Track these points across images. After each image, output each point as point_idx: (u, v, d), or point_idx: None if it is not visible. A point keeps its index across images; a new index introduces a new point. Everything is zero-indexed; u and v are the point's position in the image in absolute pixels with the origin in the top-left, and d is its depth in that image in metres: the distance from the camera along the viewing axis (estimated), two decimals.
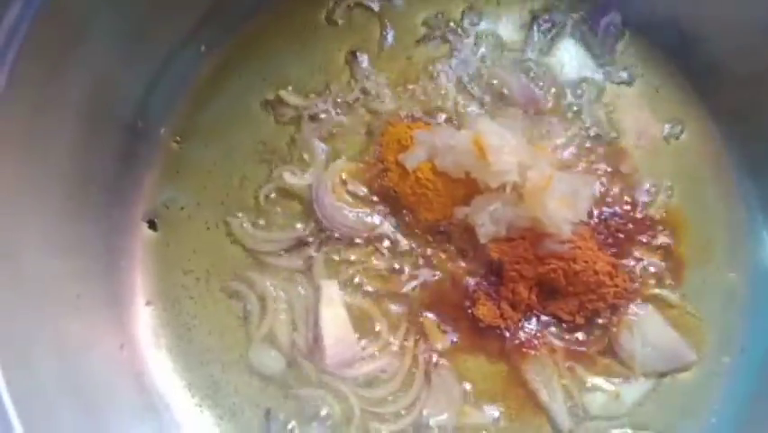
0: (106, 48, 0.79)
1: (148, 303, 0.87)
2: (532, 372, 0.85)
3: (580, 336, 0.87)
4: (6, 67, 0.66)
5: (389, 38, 0.97)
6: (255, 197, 0.91)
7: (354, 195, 0.90)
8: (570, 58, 0.97)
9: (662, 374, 0.86)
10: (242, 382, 0.85)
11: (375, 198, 0.90)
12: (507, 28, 0.98)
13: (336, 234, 0.89)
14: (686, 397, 0.87)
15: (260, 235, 0.89)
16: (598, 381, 0.86)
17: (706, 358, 0.88)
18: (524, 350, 0.86)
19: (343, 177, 0.91)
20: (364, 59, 0.95)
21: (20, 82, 0.67)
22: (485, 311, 0.86)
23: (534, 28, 0.97)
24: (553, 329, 0.86)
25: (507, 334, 0.86)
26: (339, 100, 0.94)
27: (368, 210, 0.90)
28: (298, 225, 0.90)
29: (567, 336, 0.87)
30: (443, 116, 0.93)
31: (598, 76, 0.96)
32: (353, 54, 0.95)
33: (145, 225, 0.89)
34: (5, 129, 0.66)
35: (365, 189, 0.90)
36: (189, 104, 0.93)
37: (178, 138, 0.92)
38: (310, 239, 0.89)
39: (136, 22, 0.81)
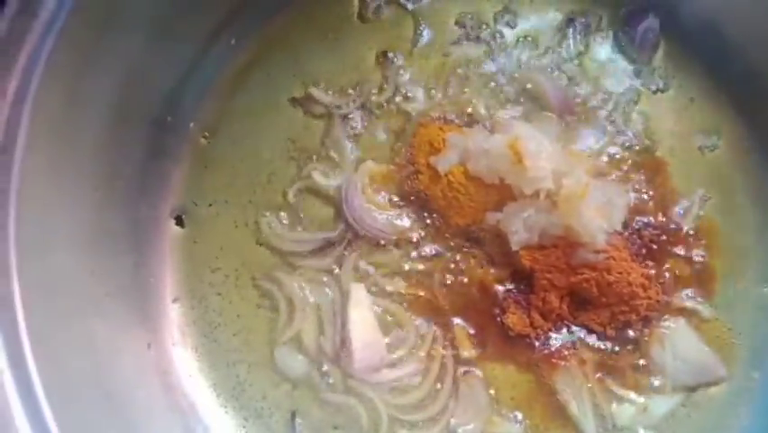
0: (138, 41, 0.78)
1: (175, 300, 0.86)
2: (561, 382, 0.84)
3: (610, 347, 0.85)
4: (42, 59, 0.65)
5: (424, 37, 0.95)
6: (284, 195, 0.89)
7: (384, 197, 0.89)
8: (606, 62, 0.96)
9: (692, 388, 0.85)
10: (267, 383, 0.84)
11: (405, 201, 0.89)
12: (543, 30, 0.96)
13: (365, 237, 0.87)
14: (715, 412, 0.86)
15: (288, 235, 0.88)
16: (628, 393, 0.85)
17: (736, 373, 0.86)
18: (553, 360, 0.84)
19: (374, 178, 0.89)
20: (397, 58, 0.94)
21: (55, 75, 0.66)
22: (515, 320, 0.84)
23: (570, 31, 0.96)
24: (583, 340, 0.85)
25: (537, 343, 0.85)
26: (370, 99, 0.92)
27: (397, 213, 0.88)
28: (328, 226, 0.88)
29: (597, 348, 0.85)
30: (476, 119, 0.92)
31: (635, 82, 0.95)
32: (384, 54, 0.94)
33: (173, 222, 0.88)
34: (40, 121, 0.65)
35: (395, 192, 0.89)
36: (218, 99, 0.92)
37: (206, 133, 0.91)
38: (339, 241, 0.88)
39: (167, 14, 0.80)
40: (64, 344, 0.64)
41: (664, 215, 0.89)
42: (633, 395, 0.84)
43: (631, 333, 0.85)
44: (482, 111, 0.92)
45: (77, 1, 0.67)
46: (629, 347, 0.85)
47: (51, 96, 0.66)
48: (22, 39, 0.64)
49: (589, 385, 0.84)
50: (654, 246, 0.88)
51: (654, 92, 0.94)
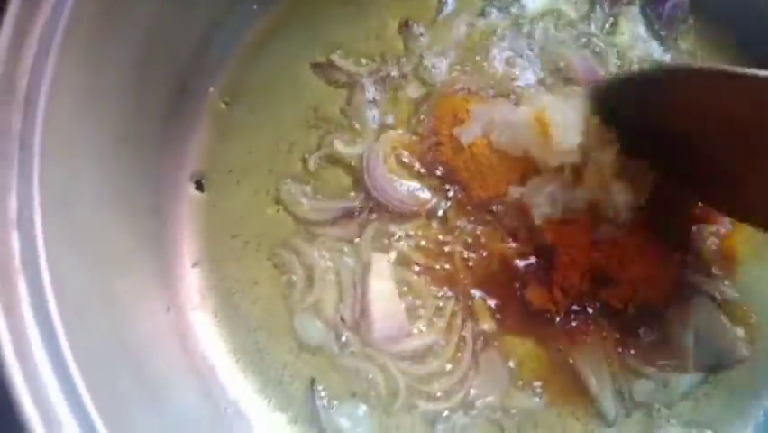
0: (159, 3, 0.76)
1: (194, 265, 0.85)
2: (581, 357, 0.83)
3: (631, 324, 0.84)
4: (63, 22, 0.63)
5: (448, 6, 0.93)
6: (304, 164, 0.88)
7: (406, 167, 0.88)
8: (634, 36, 0.94)
9: (713, 368, 0.84)
10: (287, 350, 0.84)
11: (427, 172, 0.88)
12: (570, 3, 0.94)
13: (386, 207, 0.86)
14: (736, 392, 0.85)
15: (309, 204, 0.87)
16: (648, 369, 0.84)
17: (758, 354, 0.85)
18: (574, 336, 0.83)
19: (396, 148, 0.88)
20: (419, 29, 0.92)
21: (76, 38, 0.65)
22: (535, 294, 0.83)
23: (597, 4, 0.94)
24: (604, 316, 0.84)
25: (557, 319, 0.84)
26: (393, 69, 0.91)
27: (419, 184, 0.87)
28: (348, 195, 0.87)
29: (618, 325, 0.84)
30: (500, 92, 0.90)
31: (663, 57, 0.93)
32: (407, 23, 0.92)
33: (192, 186, 0.87)
34: (64, 84, 0.64)
35: (417, 162, 0.88)
36: (239, 64, 0.91)
37: (226, 99, 0.90)
38: (360, 210, 0.86)
39: None
40: (87, 298, 0.63)
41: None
42: (653, 372, 0.84)
43: (653, 311, 0.84)
44: (507, 83, 0.90)
45: None
46: (650, 325, 0.84)
47: (74, 59, 0.65)
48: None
49: (609, 361, 0.83)
50: (677, 224, 0.87)
51: None
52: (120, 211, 0.74)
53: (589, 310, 0.84)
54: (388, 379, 0.82)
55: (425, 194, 0.87)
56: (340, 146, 0.88)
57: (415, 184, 0.87)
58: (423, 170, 0.88)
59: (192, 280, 0.84)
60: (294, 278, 0.85)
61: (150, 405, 0.69)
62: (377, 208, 0.86)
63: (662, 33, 0.95)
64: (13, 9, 0.60)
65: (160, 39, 0.78)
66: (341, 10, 0.92)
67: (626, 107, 0.79)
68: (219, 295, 0.85)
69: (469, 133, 0.85)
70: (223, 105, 0.89)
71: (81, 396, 0.58)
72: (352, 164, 0.88)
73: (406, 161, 0.88)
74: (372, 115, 0.90)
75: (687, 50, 0.94)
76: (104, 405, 0.59)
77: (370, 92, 0.90)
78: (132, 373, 0.67)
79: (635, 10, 0.95)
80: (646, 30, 0.95)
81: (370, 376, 0.82)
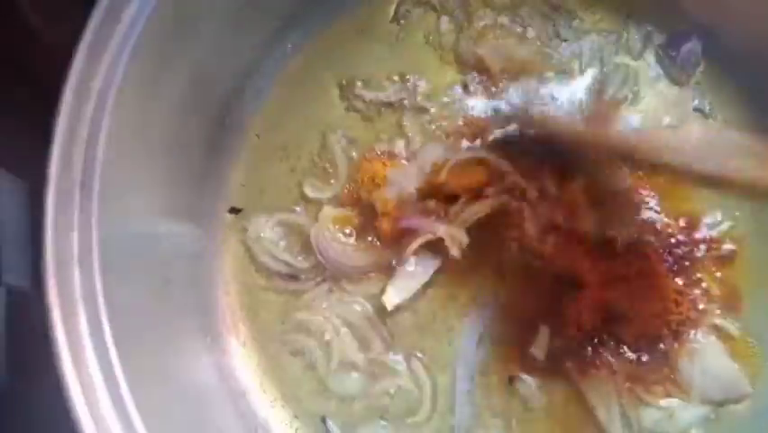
0: (207, 45, 0.82)
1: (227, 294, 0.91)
2: (591, 389, 0.87)
3: (640, 359, 0.88)
4: (119, 75, 0.69)
5: None
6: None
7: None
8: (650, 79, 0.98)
9: (719, 403, 0.88)
10: (325, 402, 0.90)
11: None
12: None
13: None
14: (739, 429, 0.88)
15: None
16: (656, 400, 0.87)
17: (761, 391, 0.89)
18: (585, 369, 0.87)
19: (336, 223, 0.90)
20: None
21: (133, 77, 0.70)
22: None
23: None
24: (614, 351, 0.88)
25: (569, 351, 0.88)
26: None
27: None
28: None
29: (628, 359, 0.88)
30: None
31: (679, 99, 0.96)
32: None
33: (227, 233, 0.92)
34: (119, 130, 0.69)
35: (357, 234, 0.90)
36: (270, 101, 0.96)
37: (257, 133, 0.95)
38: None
39: (235, 18, 0.84)
40: (139, 327, 0.69)
41: (697, 232, 0.92)
42: (661, 402, 0.87)
43: (662, 346, 0.88)
44: None
45: (159, 3, 0.71)
46: (659, 360, 0.88)
47: (130, 99, 0.70)
48: (106, 43, 0.69)
49: (618, 393, 0.87)
50: (687, 263, 0.91)
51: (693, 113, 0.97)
52: (164, 241, 0.80)
53: (601, 345, 0.88)
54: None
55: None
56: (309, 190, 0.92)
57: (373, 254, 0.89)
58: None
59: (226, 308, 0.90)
60: (313, 355, 0.89)
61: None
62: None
63: (675, 76, 0.99)
64: (77, 64, 0.66)
65: (204, 79, 0.84)
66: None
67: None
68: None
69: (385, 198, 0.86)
70: (255, 139, 0.95)
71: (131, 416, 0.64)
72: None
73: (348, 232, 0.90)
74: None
75: (698, 94, 0.98)
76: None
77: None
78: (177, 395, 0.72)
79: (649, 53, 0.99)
80: (660, 72, 0.99)
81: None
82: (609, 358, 0.87)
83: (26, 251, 0.80)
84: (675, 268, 0.91)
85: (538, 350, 0.85)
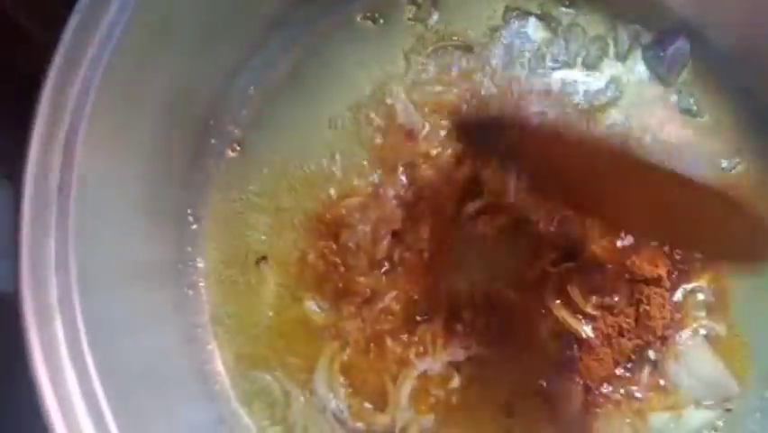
0: (188, 50, 0.81)
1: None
2: (602, 426, 0.86)
3: (638, 378, 0.87)
4: (101, 67, 0.69)
5: None
6: None
7: None
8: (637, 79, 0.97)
9: (710, 405, 0.88)
10: None
11: None
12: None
13: None
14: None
15: None
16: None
17: (749, 391, 0.88)
18: (591, 410, 0.86)
19: None
20: None
21: (112, 83, 0.70)
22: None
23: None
24: (613, 383, 0.87)
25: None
26: None
27: None
28: None
29: (623, 377, 0.87)
30: None
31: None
32: None
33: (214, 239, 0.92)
34: (99, 131, 0.69)
35: None
36: (255, 109, 0.94)
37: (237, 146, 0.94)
38: None
39: (213, 28, 0.84)
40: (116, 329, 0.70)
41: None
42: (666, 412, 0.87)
43: (651, 355, 0.87)
44: None
45: (135, 9, 0.70)
46: (648, 364, 0.87)
47: (108, 105, 0.70)
48: (83, 50, 0.69)
49: (628, 421, 0.86)
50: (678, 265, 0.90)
51: (680, 112, 0.96)
52: (143, 247, 0.80)
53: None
54: None
55: None
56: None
57: None
58: None
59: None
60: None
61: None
62: None
63: (663, 76, 0.98)
64: (54, 70, 0.66)
65: (185, 83, 0.84)
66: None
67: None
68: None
69: None
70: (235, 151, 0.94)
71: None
72: None
73: None
74: None
75: (686, 93, 0.97)
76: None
77: None
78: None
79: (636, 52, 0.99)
80: (648, 70, 0.98)
81: None
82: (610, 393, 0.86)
83: (10, 254, 0.80)
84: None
85: None
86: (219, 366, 0.87)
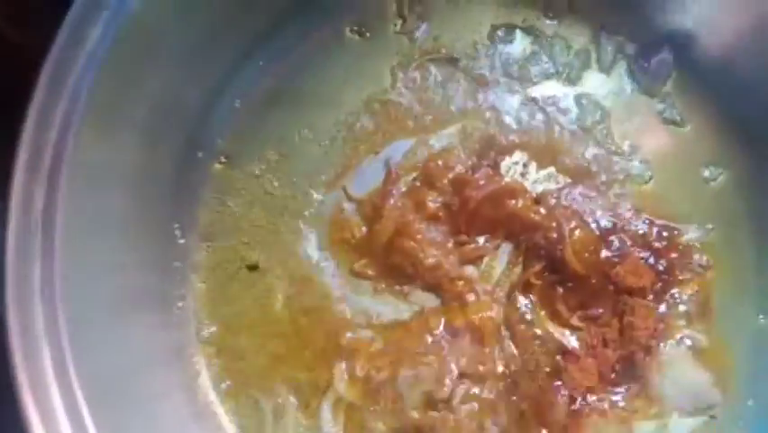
0: (172, 64, 0.82)
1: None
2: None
3: (623, 390, 0.88)
4: (85, 88, 0.69)
5: None
6: None
7: None
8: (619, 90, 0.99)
9: (691, 413, 0.88)
10: None
11: None
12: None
13: None
14: None
15: None
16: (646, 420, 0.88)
17: (731, 400, 0.89)
18: (578, 420, 0.86)
19: None
20: None
21: (98, 102, 0.70)
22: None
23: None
24: (598, 393, 0.87)
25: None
26: None
27: None
28: None
29: (612, 396, 0.88)
30: None
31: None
32: None
33: (200, 257, 0.92)
34: (83, 148, 0.69)
35: None
36: (241, 125, 0.95)
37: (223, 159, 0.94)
38: None
39: (202, 36, 0.84)
40: (102, 355, 0.69)
41: (669, 243, 0.93)
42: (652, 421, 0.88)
43: (636, 365, 0.87)
44: None
45: (121, 29, 0.71)
46: (631, 374, 0.88)
47: (93, 124, 0.70)
48: (69, 68, 0.69)
49: (614, 430, 0.87)
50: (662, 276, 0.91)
51: (663, 122, 0.97)
52: (130, 270, 0.80)
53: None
54: None
55: None
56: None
57: None
58: None
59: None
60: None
61: None
62: None
63: (648, 87, 0.99)
64: (39, 91, 0.66)
65: (171, 102, 0.84)
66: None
67: None
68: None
69: None
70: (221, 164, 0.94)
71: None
72: None
73: None
74: None
75: (670, 103, 0.98)
76: None
77: None
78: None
79: (620, 64, 1.00)
80: (632, 82, 0.99)
81: None
82: (596, 404, 0.87)
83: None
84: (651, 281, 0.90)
85: None
86: (207, 382, 0.88)
